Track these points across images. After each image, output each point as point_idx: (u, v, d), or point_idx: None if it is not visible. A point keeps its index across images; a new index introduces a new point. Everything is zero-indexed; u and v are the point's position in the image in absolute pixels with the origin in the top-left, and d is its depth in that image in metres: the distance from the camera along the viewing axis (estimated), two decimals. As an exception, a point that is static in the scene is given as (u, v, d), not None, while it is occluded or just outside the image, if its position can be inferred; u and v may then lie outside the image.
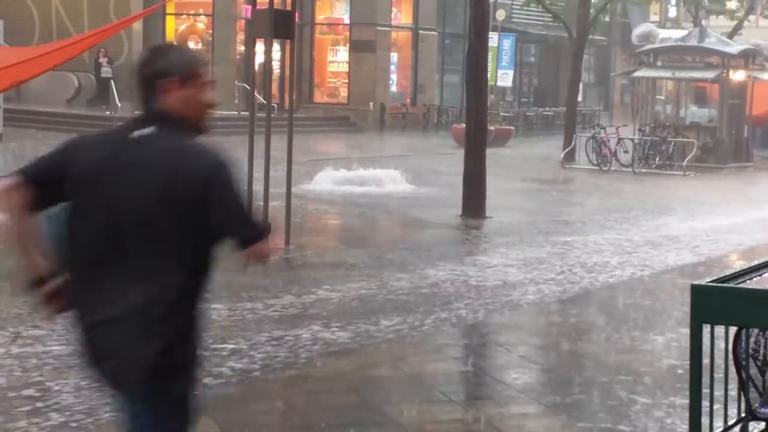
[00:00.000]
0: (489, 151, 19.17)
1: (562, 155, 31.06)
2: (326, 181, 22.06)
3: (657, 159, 30.57)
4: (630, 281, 12.70)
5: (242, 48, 39.80)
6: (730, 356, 4.79)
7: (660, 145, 30.80)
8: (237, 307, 10.36)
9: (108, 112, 33.60)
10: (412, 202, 20.08)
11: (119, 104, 33.02)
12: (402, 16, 44.26)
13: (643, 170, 29.53)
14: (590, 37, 36.76)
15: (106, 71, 36.66)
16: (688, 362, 4.56)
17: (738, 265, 10.33)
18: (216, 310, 10.14)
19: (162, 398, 3.93)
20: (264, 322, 9.73)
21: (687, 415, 4.62)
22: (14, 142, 27.77)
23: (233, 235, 3.99)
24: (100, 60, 37.00)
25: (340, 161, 23.71)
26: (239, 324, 9.66)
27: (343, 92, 42.84)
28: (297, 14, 15.77)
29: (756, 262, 5.16)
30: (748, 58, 33.07)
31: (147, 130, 3.99)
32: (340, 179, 22.15)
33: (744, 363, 4.77)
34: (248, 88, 32.27)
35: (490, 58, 23.67)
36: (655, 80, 33.89)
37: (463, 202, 18.26)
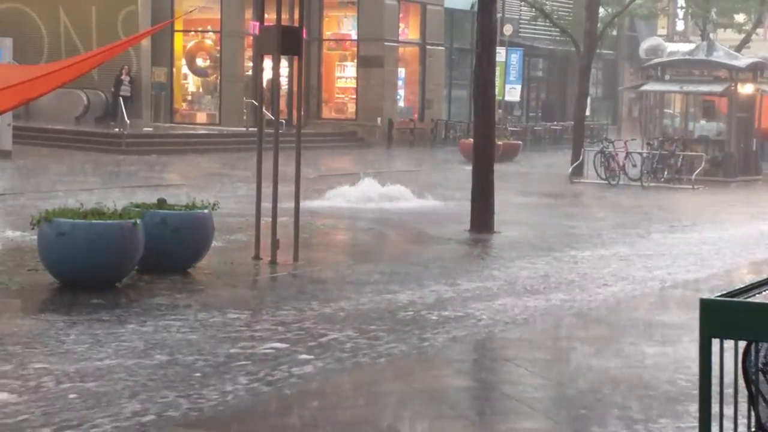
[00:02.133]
0: (497, 166, 19.17)
1: (570, 169, 31.05)
2: (334, 196, 22.07)
3: (665, 173, 30.54)
4: (639, 295, 12.68)
5: (250, 64, 39.85)
6: (740, 371, 4.78)
7: (668, 159, 30.78)
8: (243, 320, 10.35)
9: (117, 129, 33.69)
10: (420, 217, 20.08)
11: (128, 121, 33.11)
12: (409, 31, 44.33)
13: (652, 184, 29.51)
14: (598, 51, 36.77)
15: (125, 89, 36.75)
16: (697, 377, 4.55)
17: (747, 278, 10.32)
18: (223, 322, 10.15)
19: None
20: (273, 337, 9.72)
21: (696, 429, 4.61)
22: (23, 160, 27.86)
23: None
24: (123, 77, 37.07)
25: (349, 177, 23.72)
26: (246, 339, 9.66)
27: (351, 108, 42.90)
28: (305, 30, 15.82)
29: (766, 276, 5.15)
30: (756, 71, 33.05)
31: None
32: (348, 195, 22.16)
33: (754, 377, 4.75)
34: (256, 104, 32.37)
35: (497, 72, 23.71)
36: (663, 94, 33.88)
37: (471, 217, 18.26)
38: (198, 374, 8.40)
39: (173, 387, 8.00)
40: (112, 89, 37.40)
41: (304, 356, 9.09)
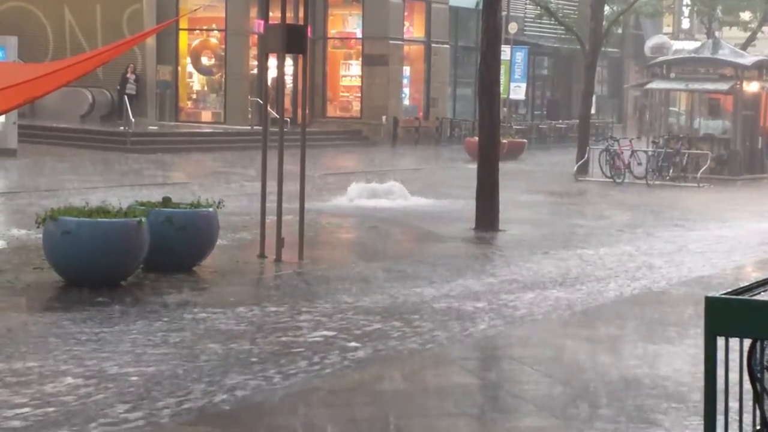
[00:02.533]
0: (502, 164, 19.17)
1: (576, 168, 31.03)
2: (339, 195, 22.08)
3: (671, 171, 30.51)
4: (645, 293, 12.67)
5: (255, 63, 39.88)
6: (745, 368, 4.78)
7: (674, 157, 30.74)
8: (247, 317, 10.36)
9: (122, 128, 33.71)
10: (425, 216, 20.08)
11: (133, 120, 33.12)
12: (414, 29, 44.31)
13: (657, 182, 29.48)
14: (603, 49, 36.74)
15: (131, 87, 36.76)
16: (703, 374, 4.55)
17: (753, 276, 10.30)
18: (228, 319, 10.15)
19: None
20: (280, 335, 9.72)
21: (702, 427, 4.61)
22: (29, 158, 27.88)
23: None
24: (128, 75, 37.07)
25: (353, 175, 23.73)
26: (252, 336, 9.66)
27: (356, 106, 42.89)
28: (309, 29, 15.80)
29: (770, 274, 5.14)
30: (761, 69, 33.00)
31: None
32: (353, 193, 22.15)
33: (759, 375, 4.75)
34: (261, 102, 32.37)
35: (502, 71, 23.68)
36: (668, 92, 33.84)
37: (476, 216, 18.25)
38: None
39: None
40: (118, 87, 37.41)
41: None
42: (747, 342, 4.71)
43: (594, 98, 38.24)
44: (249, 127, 36.64)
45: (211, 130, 38.15)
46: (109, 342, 9.25)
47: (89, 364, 8.47)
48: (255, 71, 39.78)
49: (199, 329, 9.95)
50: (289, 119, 28.20)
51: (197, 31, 41.39)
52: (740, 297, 4.62)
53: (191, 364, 8.67)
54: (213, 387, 7.99)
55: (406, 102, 43.74)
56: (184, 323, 10.17)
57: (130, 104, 34.00)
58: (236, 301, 11.24)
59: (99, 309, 10.57)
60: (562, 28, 38.69)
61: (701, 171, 29.85)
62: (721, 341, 4.55)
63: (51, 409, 7.29)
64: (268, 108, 16.23)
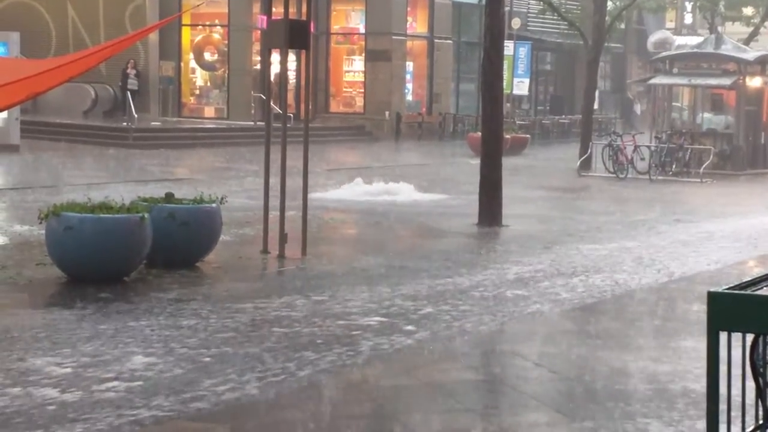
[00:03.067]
0: (505, 160, 19.17)
1: (579, 163, 31.03)
2: (342, 190, 22.08)
3: (674, 166, 30.50)
4: (647, 288, 12.67)
5: (258, 58, 39.88)
6: (748, 363, 4.78)
7: (677, 153, 30.72)
8: (251, 313, 10.37)
9: (125, 124, 33.73)
10: (428, 211, 20.09)
11: (136, 115, 33.13)
12: (417, 25, 44.30)
13: (660, 177, 29.48)
14: (606, 44, 36.70)
15: (132, 83, 36.75)
16: (705, 369, 4.55)
17: (755, 271, 10.29)
18: (232, 320, 10.16)
19: None
20: (283, 331, 9.73)
21: (704, 422, 4.61)
22: (31, 154, 27.90)
23: None
24: (129, 71, 37.08)
25: (356, 171, 23.74)
26: (255, 332, 9.67)
27: (359, 102, 42.89)
28: (312, 24, 15.81)
29: (773, 269, 5.15)
30: (764, 64, 32.98)
31: None
32: (356, 189, 22.17)
33: (761, 370, 4.75)
34: (264, 98, 32.37)
35: (505, 66, 23.68)
36: (671, 87, 33.82)
37: (479, 211, 18.25)
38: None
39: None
40: (120, 84, 37.43)
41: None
42: (750, 337, 4.72)
43: (597, 93, 38.23)
44: (252, 123, 36.66)
45: (214, 126, 38.16)
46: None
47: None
48: (258, 67, 39.79)
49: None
50: (292, 115, 28.18)
51: (200, 27, 41.40)
52: (743, 292, 4.62)
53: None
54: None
55: (409, 97, 43.75)
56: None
57: (132, 100, 34.01)
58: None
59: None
60: (565, 23, 38.69)
61: (704, 166, 29.84)
62: (723, 336, 4.55)
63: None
64: (271, 103, 16.23)
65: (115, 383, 7.87)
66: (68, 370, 8.20)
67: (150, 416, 7.12)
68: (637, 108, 53.39)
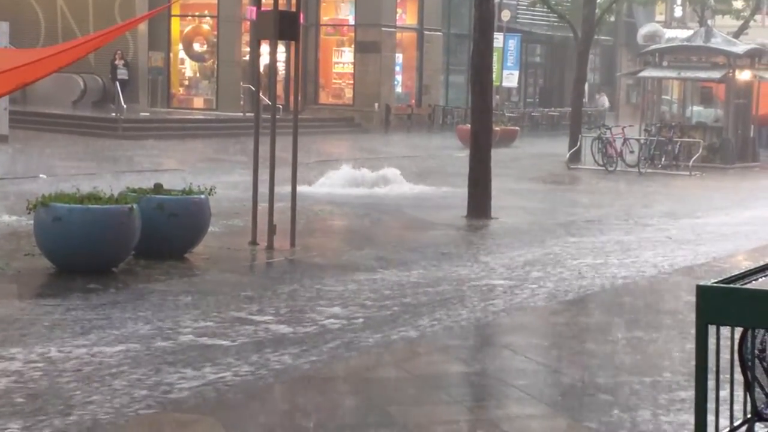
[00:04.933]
0: (494, 152, 19.16)
1: (568, 156, 31.05)
2: (331, 182, 22.06)
3: (663, 159, 30.54)
4: (636, 282, 12.68)
5: (247, 49, 39.83)
6: (736, 357, 4.78)
7: (666, 146, 30.76)
8: (241, 307, 10.36)
9: (114, 114, 33.65)
10: (417, 203, 20.08)
11: (125, 106, 33.05)
12: (407, 16, 44.27)
13: (649, 170, 29.52)
14: (596, 37, 36.73)
15: (122, 72, 36.63)
16: (694, 363, 4.55)
17: (744, 265, 10.30)
18: (219, 312, 10.16)
19: None
20: (269, 322, 9.72)
21: (692, 416, 4.61)
22: (20, 144, 27.82)
23: None
24: (117, 62, 36.97)
25: (346, 162, 23.70)
26: (243, 324, 9.65)
27: (349, 93, 42.87)
28: (302, 15, 15.77)
29: (762, 263, 5.15)
30: (754, 57, 33.03)
31: None
32: (345, 180, 22.14)
33: (750, 364, 4.75)
34: (253, 89, 32.34)
35: (495, 58, 23.68)
36: (660, 80, 33.86)
37: (468, 203, 18.26)
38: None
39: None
40: (110, 76, 37.36)
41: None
42: (738, 330, 4.72)
43: (586, 86, 38.26)
44: (241, 114, 36.62)
45: (203, 117, 38.11)
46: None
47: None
48: (247, 58, 39.74)
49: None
50: (281, 106, 28.14)
51: (189, 17, 41.32)
52: (732, 285, 4.62)
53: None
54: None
55: (399, 89, 43.73)
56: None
57: (122, 90, 33.93)
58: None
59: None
60: (555, 15, 38.71)
61: (693, 159, 29.88)
62: (712, 330, 4.55)
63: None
64: (261, 95, 16.20)
65: (100, 371, 7.85)
66: (56, 361, 8.18)
67: (132, 409, 7.11)
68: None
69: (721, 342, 4.65)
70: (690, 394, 6.81)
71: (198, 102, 41.15)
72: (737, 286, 4.65)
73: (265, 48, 15.67)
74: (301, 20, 15.21)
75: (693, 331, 4.50)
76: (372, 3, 41.77)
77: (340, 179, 22.22)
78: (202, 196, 13.26)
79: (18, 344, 8.67)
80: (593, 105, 51.32)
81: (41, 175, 21.63)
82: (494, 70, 21.38)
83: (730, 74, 32.05)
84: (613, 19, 47.70)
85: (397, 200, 20.40)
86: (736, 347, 4.76)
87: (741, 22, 43.88)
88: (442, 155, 31.99)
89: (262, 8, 14.91)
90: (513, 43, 44.85)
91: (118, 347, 8.65)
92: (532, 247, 14.97)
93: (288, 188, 14.63)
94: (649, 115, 33.55)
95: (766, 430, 5.11)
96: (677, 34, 48.12)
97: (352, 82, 42.68)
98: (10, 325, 9.37)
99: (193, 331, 9.33)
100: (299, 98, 16.66)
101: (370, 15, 41.85)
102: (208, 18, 40.92)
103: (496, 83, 32.45)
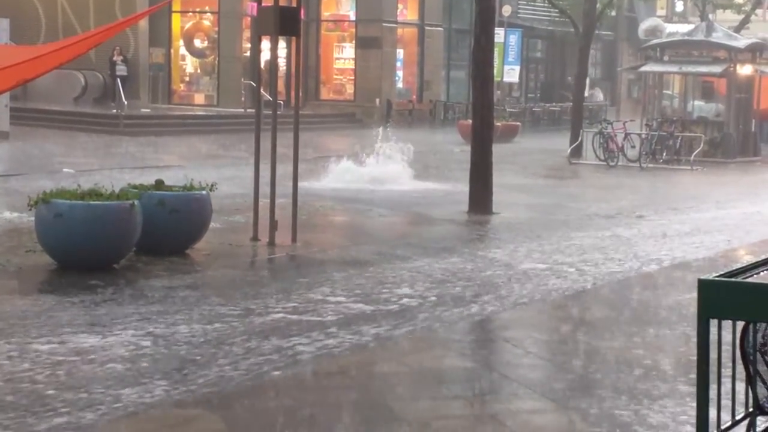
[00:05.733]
0: (495, 147, 19.14)
1: (569, 150, 31.03)
2: (333, 177, 22.05)
3: (664, 154, 30.52)
4: (637, 276, 12.68)
5: (248, 45, 39.80)
6: (738, 351, 4.78)
7: (667, 140, 30.74)
8: (243, 303, 10.36)
9: (115, 110, 33.64)
10: (418, 199, 20.08)
11: (125, 102, 33.04)
12: (408, 12, 44.24)
13: (650, 165, 29.49)
14: (597, 32, 36.69)
15: (121, 69, 36.62)
16: (696, 357, 4.55)
17: (746, 259, 10.29)
18: (222, 307, 10.16)
19: None
20: (270, 319, 9.73)
21: (695, 409, 4.61)
22: (21, 141, 27.82)
23: None
24: (115, 58, 36.96)
25: (347, 158, 23.69)
26: (244, 322, 9.66)
27: (350, 89, 42.84)
28: (303, 11, 15.76)
29: (764, 257, 5.15)
30: (755, 52, 33.00)
31: None
32: (346, 176, 22.14)
33: (752, 357, 4.75)
34: (254, 85, 32.31)
35: (496, 53, 23.66)
36: (662, 75, 33.83)
37: (469, 198, 18.25)
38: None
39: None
40: (109, 72, 37.36)
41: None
42: (740, 324, 4.72)
43: (588, 81, 38.22)
44: (242, 110, 36.62)
45: (204, 113, 38.09)
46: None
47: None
48: (248, 54, 39.71)
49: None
50: (282, 102, 28.13)
51: (190, 14, 41.29)
52: (733, 279, 4.62)
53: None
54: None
55: (400, 85, 43.71)
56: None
57: (122, 86, 33.91)
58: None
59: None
60: (556, 10, 38.69)
61: (694, 154, 29.86)
62: (713, 324, 4.55)
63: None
64: (261, 91, 16.20)
65: (103, 368, 7.86)
66: (57, 356, 8.19)
67: (139, 402, 7.12)
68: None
69: (723, 336, 4.65)
70: (691, 388, 6.82)
71: (199, 98, 41.13)
72: (739, 280, 4.65)
73: (266, 44, 15.66)
74: (302, 16, 15.20)
75: (694, 324, 4.50)
76: (373, -2, 41.75)
77: (341, 175, 22.21)
78: (204, 192, 13.25)
79: (16, 339, 8.67)
80: (587, 99, 51.20)
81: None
82: (495, 65, 21.34)
83: (731, 69, 32.01)
84: (614, 13, 47.66)
85: (398, 196, 20.38)
86: (737, 341, 4.77)
87: (742, 16, 43.80)
88: (444, 151, 31.97)
89: (263, 4, 14.89)
90: (514, 39, 44.82)
91: (119, 343, 8.65)
92: (533, 242, 14.95)
93: (289, 184, 14.62)
94: (650, 110, 33.51)
95: None
96: (678, 29, 48.04)
97: (353, 77, 42.66)
98: (10, 321, 9.37)
99: (192, 327, 9.34)
100: (300, 94, 16.65)
101: (370, 10, 41.83)
102: (208, 14, 40.90)
103: (497, 78, 32.47)
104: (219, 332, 9.17)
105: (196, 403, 7.22)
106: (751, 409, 4.93)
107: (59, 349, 8.41)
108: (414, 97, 43.76)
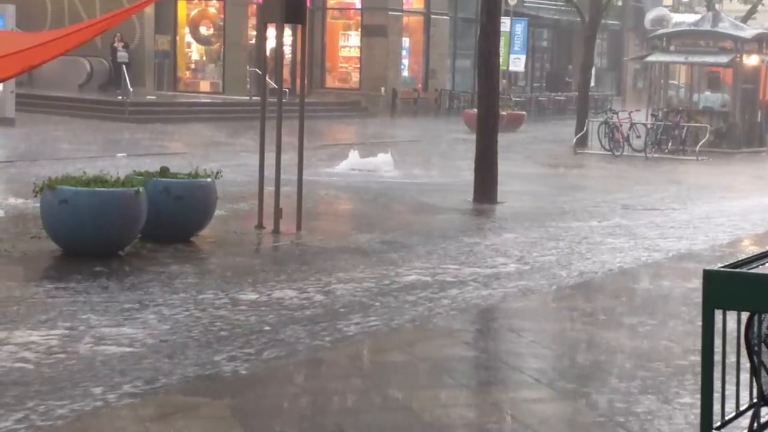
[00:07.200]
0: (501, 136, 19.13)
1: (575, 140, 31.01)
2: (337, 166, 22.06)
3: (669, 144, 30.49)
4: (642, 266, 12.67)
5: (254, 33, 39.77)
6: (742, 342, 4.78)
7: (673, 130, 30.70)
8: (248, 291, 10.37)
9: (120, 97, 33.64)
10: (423, 188, 20.07)
11: (131, 89, 33.04)
12: (413, 0, 44.17)
13: (656, 155, 29.46)
14: (603, 21, 36.62)
15: (122, 56, 36.63)
16: (700, 348, 4.55)
17: (751, 250, 10.28)
18: (226, 294, 10.17)
19: None
20: (275, 307, 9.74)
21: (699, 400, 4.61)
22: (27, 127, 27.84)
23: None
24: (116, 45, 36.94)
25: (352, 146, 23.69)
26: (251, 309, 9.67)
27: (355, 77, 42.81)
28: (308, -1, 15.72)
29: (769, 248, 5.14)
30: (761, 42, 32.93)
31: None
32: (351, 164, 22.14)
33: (756, 348, 4.75)
34: (260, 73, 32.26)
35: (502, 42, 23.61)
36: (668, 65, 33.78)
37: (474, 188, 18.24)
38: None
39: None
40: (110, 58, 37.37)
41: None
42: (744, 315, 4.72)
43: (593, 71, 38.16)
44: (247, 98, 36.59)
45: (209, 100, 38.09)
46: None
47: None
48: (254, 41, 39.68)
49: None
50: (287, 90, 28.13)
51: (196, 1, 41.27)
52: (738, 270, 4.62)
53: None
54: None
55: (405, 73, 43.66)
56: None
57: (126, 72, 33.92)
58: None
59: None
60: (562, -1, 38.57)
61: (700, 144, 29.83)
62: (718, 314, 4.55)
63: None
64: (267, 78, 16.19)
65: (108, 354, 7.88)
66: (60, 341, 8.20)
67: (140, 389, 7.14)
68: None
69: (728, 327, 4.65)
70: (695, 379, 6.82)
71: (204, 85, 41.12)
72: (743, 270, 4.65)
73: (271, 31, 15.64)
74: (308, 4, 15.18)
75: (698, 315, 4.49)
76: (379, -13, 41.68)
77: (346, 163, 22.22)
78: (209, 180, 13.26)
79: (22, 325, 8.69)
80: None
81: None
82: (501, 54, 21.31)
83: (738, 59, 31.96)
84: (620, 3, 47.54)
85: (403, 184, 20.38)
86: (742, 332, 4.77)
87: (749, 6, 43.68)
88: (449, 140, 31.95)
89: (269, -9, 14.86)
90: (520, 28, 44.74)
91: (123, 329, 8.66)
92: (539, 231, 14.94)
93: (294, 172, 14.62)
94: (656, 100, 33.48)
95: (772, 414, 5.11)
96: (685, 19, 47.90)
97: (358, 66, 42.62)
98: (15, 306, 9.40)
99: (197, 314, 9.35)
100: (305, 82, 16.65)
101: (376, -1, 41.76)
102: (214, 1, 40.87)
103: (502, 68, 32.38)
104: (224, 320, 9.18)
105: (206, 388, 7.24)
106: (755, 400, 4.93)
107: (68, 334, 8.43)
108: (419, 85, 43.72)
